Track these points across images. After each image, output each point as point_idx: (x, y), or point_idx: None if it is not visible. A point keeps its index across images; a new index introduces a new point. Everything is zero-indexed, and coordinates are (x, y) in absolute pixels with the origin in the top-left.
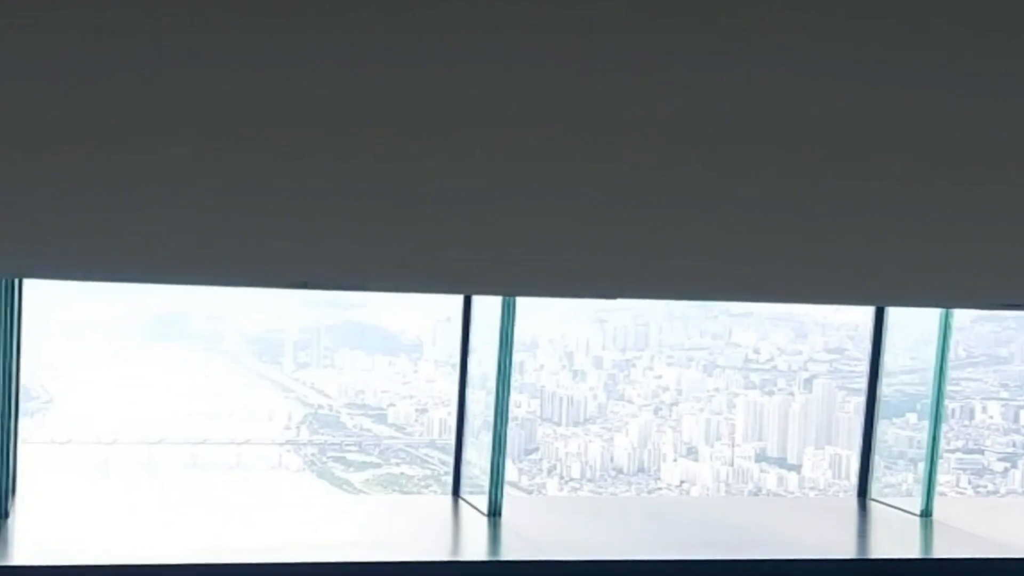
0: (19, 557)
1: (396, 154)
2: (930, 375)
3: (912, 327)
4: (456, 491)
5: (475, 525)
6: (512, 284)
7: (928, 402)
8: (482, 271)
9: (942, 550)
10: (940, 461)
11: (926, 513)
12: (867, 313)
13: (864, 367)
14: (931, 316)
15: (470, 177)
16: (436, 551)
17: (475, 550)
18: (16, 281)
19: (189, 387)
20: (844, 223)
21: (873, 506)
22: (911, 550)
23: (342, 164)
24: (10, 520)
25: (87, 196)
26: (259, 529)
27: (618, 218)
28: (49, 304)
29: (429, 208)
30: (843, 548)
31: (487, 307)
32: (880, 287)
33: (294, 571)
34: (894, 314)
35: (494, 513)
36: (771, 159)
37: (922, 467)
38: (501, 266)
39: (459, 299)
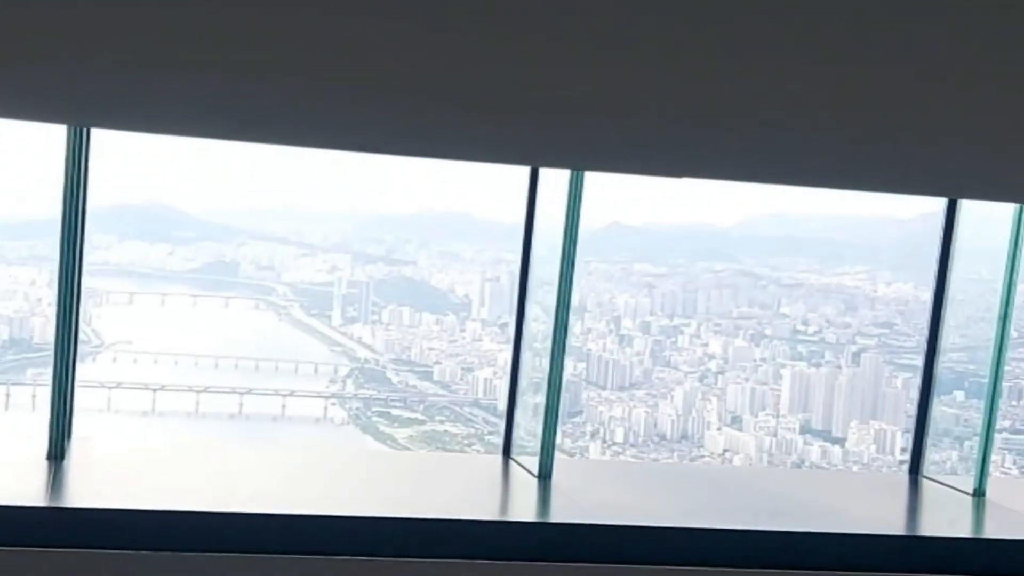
0: (75, 500)
1: (465, 18)
2: (980, 353)
3: (965, 305)
4: (507, 451)
5: (525, 486)
6: (579, 157)
7: (977, 380)
8: (550, 141)
9: (994, 530)
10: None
11: (979, 492)
12: (920, 287)
13: (913, 343)
14: (989, 292)
15: (539, 44)
16: (486, 511)
17: (525, 511)
18: (79, 219)
19: (236, 336)
20: (917, 106)
21: (924, 483)
22: (963, 529)
23: (412, 29)
24: (66, 462)
25: (162, 42)
26: (306, 482)
27: (689, 94)
28: (98, 245)
29: (499, 74)
30: (894, 524)
31: (543, 266)
32: (954, 176)
33: (347, 525)
34: (952, 289)
35: (544, 475)
36: (842, 38)
37: (968, 445)
38: (569, 137)
39: (516, 257)
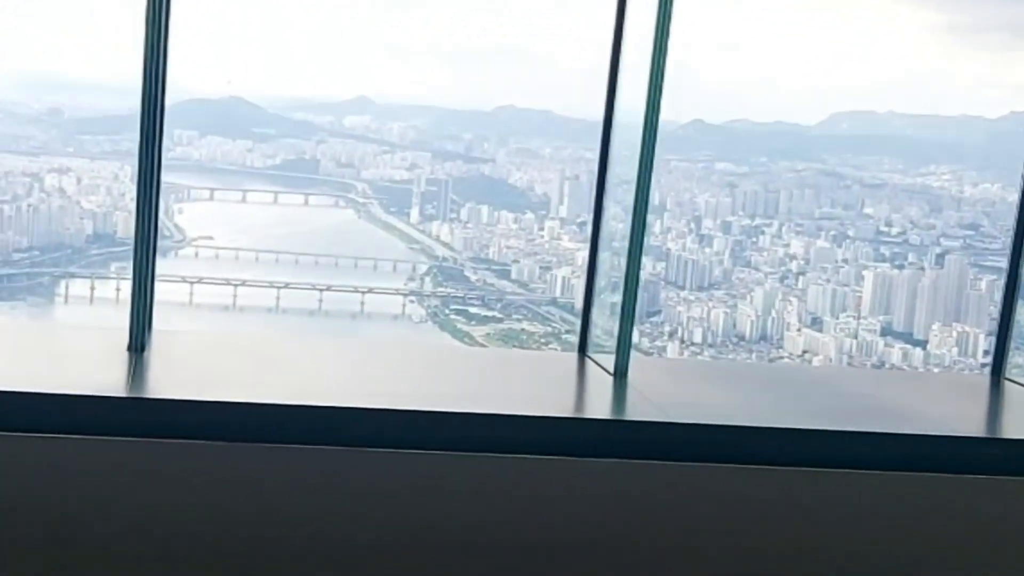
0: (155, 391)
1: None
2: None
3: None
4: (582, 350)
5: (600, 384)
6: None
7: None
8: None
9: None
10: None
11: None
12: (1008, 188)
13: (999, 244)
14: None
15: None
16: (561, 408)
17: (600, 409)
18: (158, 112)
19: (316, 233)
20: None
21: (1007, 386)
22: None
23: None
24: (146, 354)
25: None
26: (382, 376)
27: None
28: (179, 140)
29: None
30: (975, 426)
31: (622, 164)
32: None
33: (420, 419)
34: None
35: (620, 373)
36: None
37: None
38: None
39: (596, 155)
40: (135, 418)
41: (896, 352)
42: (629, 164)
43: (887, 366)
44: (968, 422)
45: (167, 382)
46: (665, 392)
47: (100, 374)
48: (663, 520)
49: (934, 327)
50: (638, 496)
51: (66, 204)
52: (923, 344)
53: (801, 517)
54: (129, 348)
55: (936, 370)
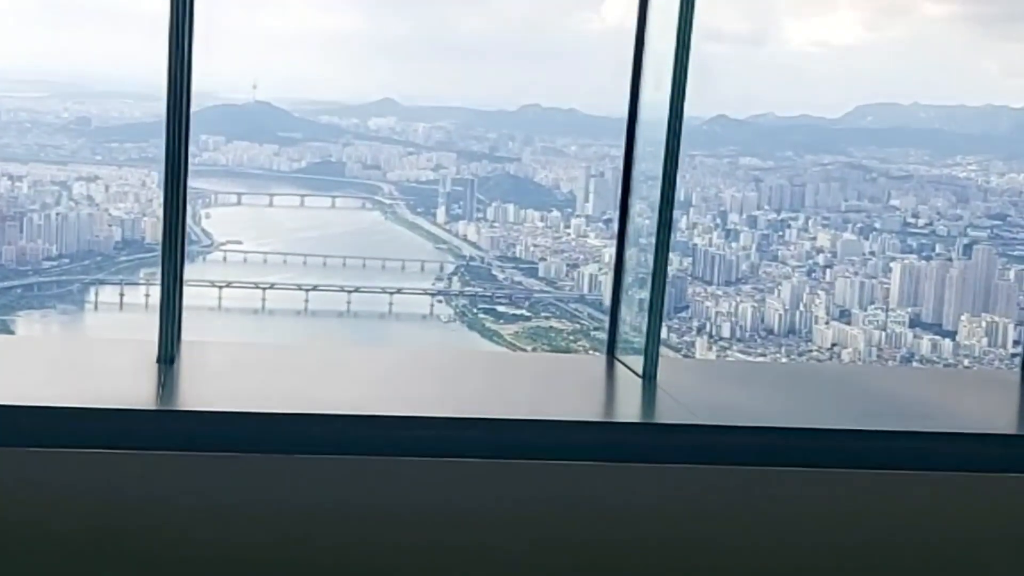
0: (185, 403)
1: None
2: None
3: None
4: (611, 351)
5: (630, 387)
6: None
7: None
8: None
9: None
10: None
11: None
12: None
13: None
14: None
15: None
16: (590, 412)
17: (629, 412)
18: (184, 118)
19: (343, 235)
20: None
21: None
22: None
23: None
24: (176, 365)
25: None
26: (412, 383)
27: None
28: (205, 146)
29: None
30: (1007, 424)
31: (648, 160)
32: None
33: (449, 426)
34: None
35: (648, 376)
36: None
37: None
38: None
39: (621, 152)
40: (165, 431)
41: (925, 343)
42: (654, 160)
43: (916, 357)
44: (1000, 420)
45: (197, 394)
46: (694, 394)
47: (130, 387)
48: (694, 524)
49: (963, 318)
50: (669, 500)
51: (95, 212)
52: (952, 335)
53: (835, 519)
54: (158, 360)
55: (966, 360)
